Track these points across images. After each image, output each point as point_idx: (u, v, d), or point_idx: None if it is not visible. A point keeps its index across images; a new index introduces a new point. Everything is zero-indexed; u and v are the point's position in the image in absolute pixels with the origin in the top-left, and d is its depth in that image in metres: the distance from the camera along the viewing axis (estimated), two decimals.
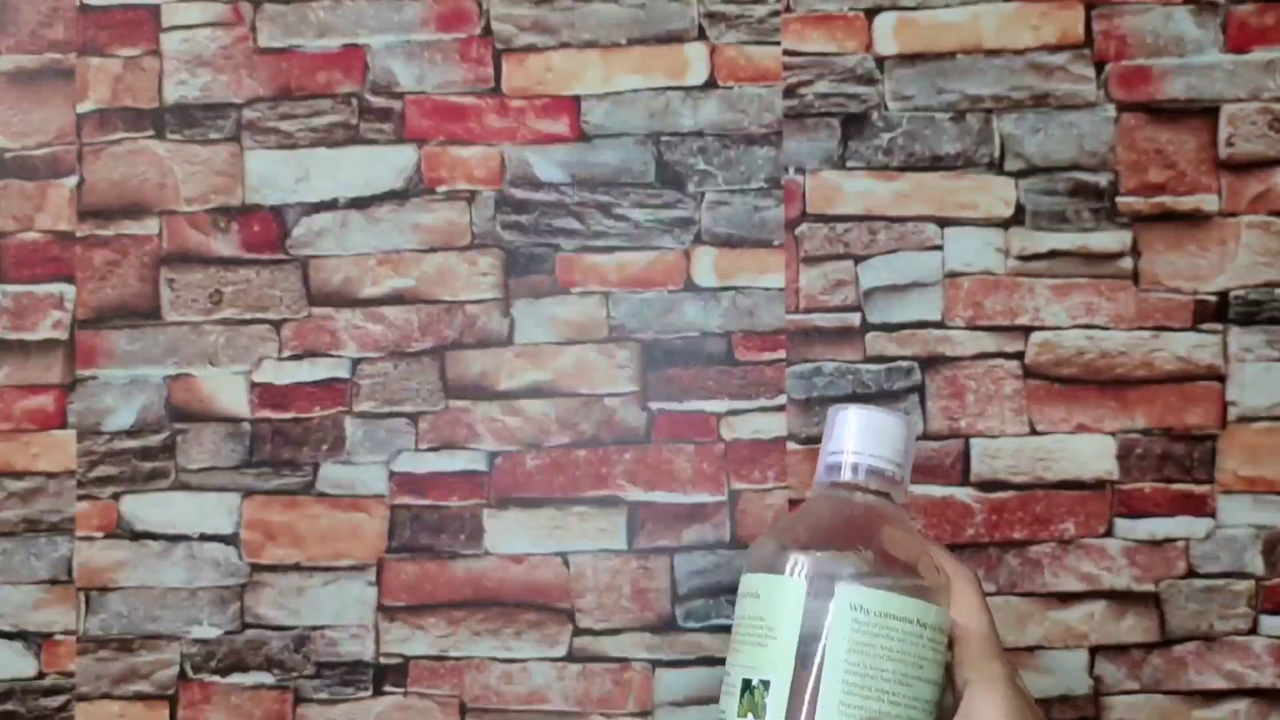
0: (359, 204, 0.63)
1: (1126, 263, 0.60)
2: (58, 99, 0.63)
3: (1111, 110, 0.61)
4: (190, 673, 0.62)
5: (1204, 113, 0.60)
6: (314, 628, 0.62)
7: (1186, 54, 0.60)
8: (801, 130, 0.61)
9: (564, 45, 0.62)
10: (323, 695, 0.61)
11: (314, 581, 0.62)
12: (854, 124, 0.61)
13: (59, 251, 0.63)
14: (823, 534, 0.40)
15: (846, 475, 0.41)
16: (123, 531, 0.62)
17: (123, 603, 0.62)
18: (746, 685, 0.39)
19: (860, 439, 0.41)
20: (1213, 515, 0.59)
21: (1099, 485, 0.60)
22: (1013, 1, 0.61)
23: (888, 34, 0.61)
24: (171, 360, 0.63)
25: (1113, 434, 0.60)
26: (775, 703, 0.38)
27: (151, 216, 0.63)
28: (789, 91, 0.62)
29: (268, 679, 0.62)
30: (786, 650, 0.38)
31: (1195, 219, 0.60)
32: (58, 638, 0.62)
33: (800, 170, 0.61)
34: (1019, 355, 0.60)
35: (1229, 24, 0.60)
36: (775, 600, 0.39)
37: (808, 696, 0.38)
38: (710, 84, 0.62)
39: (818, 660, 0.38)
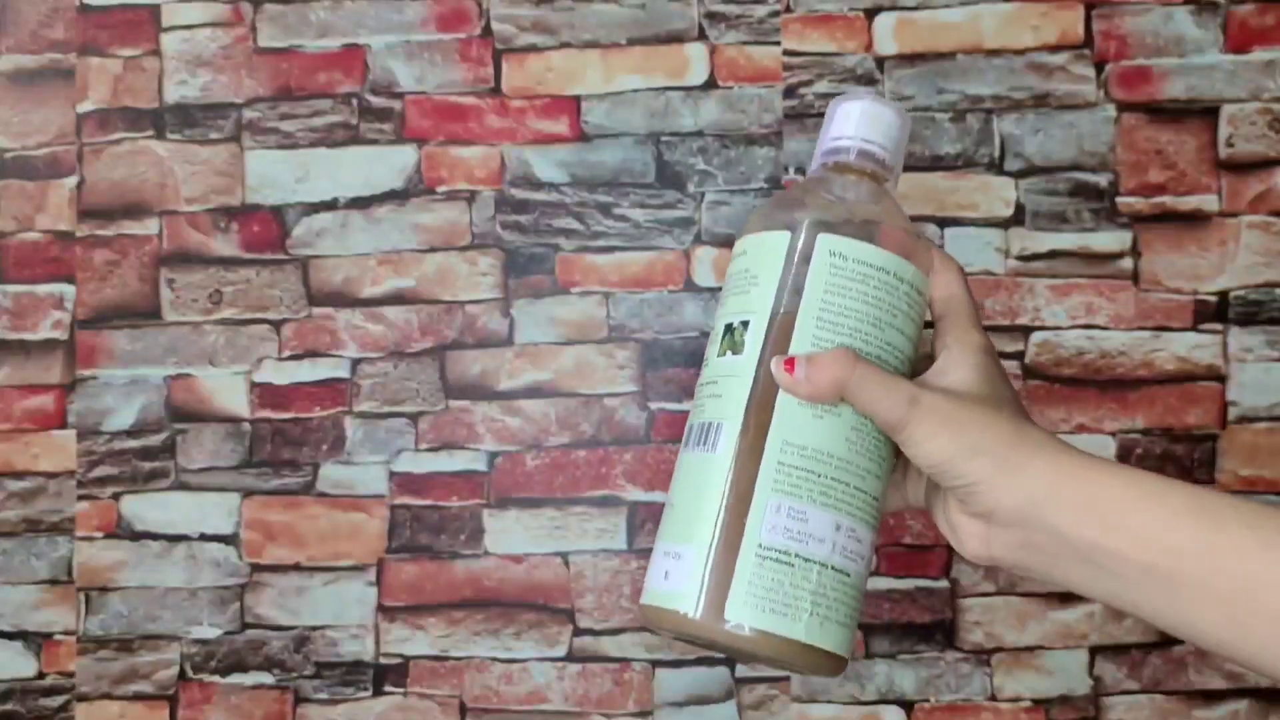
0: (359, 204, 0.63)
1: (1126, 263, 0.60)
2: (58, 99, 0.63)
3: (1111, 110, 0.61)
4: (190, 673, 0.62)
5: (1204, 113, 0.60)
6: (314, 628, 0.62)
7: (1186, 54, 0.60)
8: (801, 130, 0.61)
9: (564, 45, 0.62)
10: (323, 695, 0.61)
11: (314, 581, 0.62)
12: None
13: (59, 251, 0.63)
14: (809, 196, 0.41)
15: (841, 157, 0.42)
16: (123, 531, 0.62)
17: (123, 603, 0.62)
18: (728, 329, 0.41)
19: (856, 125, 0.42)
20: None
21: None
22: (1013, 1, 0.61)
23: (888, 34, 0.61)
24: (171, 360, 0.63)
25: (1113, 434, 0.60)
26: (753, 338, 0.40)
27: (151, 216, 0.63)
28: (789, 91, 0.62)
29: (268, 679, 0.62)
30: (767, 292, 0.40)
31: (1195, 219, 0.60)
32: (58, 638, 0.62)
33: (800, 170, 0.61)
34: (1019, 355, 0.60)
35: (1229, 24, 0.60)
36: (761, 252, 0.41)
37: (780, 331, 0.39)
38: (710, 84, 0.62)
39: (796, 300, 0.39)
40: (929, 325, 0.43)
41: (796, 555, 0.38)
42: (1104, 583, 0.35)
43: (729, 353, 0.41)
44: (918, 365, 0.42)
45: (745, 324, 0.40)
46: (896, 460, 0.42)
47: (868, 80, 0.61)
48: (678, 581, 0.39)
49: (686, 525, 0.39)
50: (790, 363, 0.38)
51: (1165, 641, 0.59)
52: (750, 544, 0.38)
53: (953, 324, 0.40)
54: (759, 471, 0.38)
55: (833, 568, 0.38)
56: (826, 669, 0.39)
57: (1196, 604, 0.33)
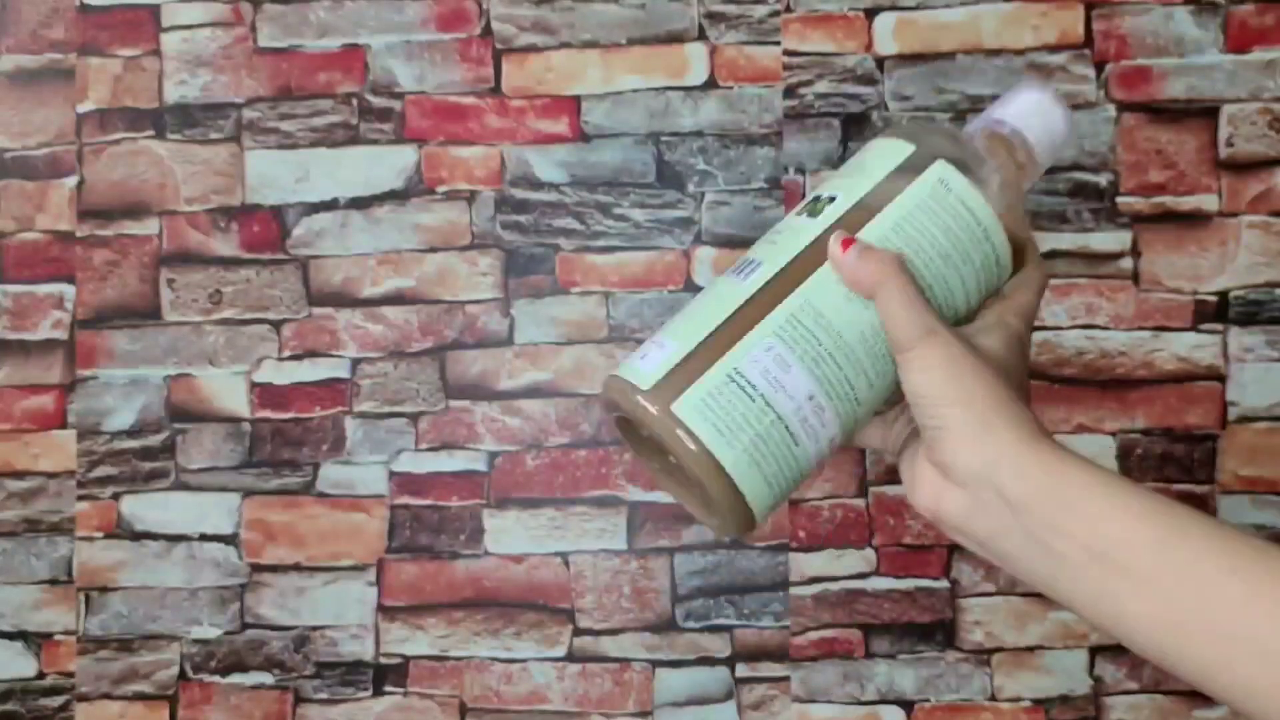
0: (359, 204, 0.63)
1: (1126, 263, 0.60)
2: (58, 99, 0.63)
3: (1111, 110, 0.61)
4: (190, 673, 0.62)
5: (1204, 113, 0.60)
6: (314, 628, 0.62)
7: (1186, 54, 0.60)
8: (801, 130, 0.61)
9: (564, 45, 0.62)
10: (323, 695, 0.61)
11: (314, 581, 0.62)
12: (854, 124, 0.61)
13: (59, 251, 0.63)
14: (952, 135, 0.42)
15: (999, 129, 0.43)
16: (123, 531, 0.62)
17: (123, 603, 0.62)
18: (815, 198, 0.42)
19: (1029, 113, 0.43)
20: (1213, 515, 0.59)
21: None
22: (1013, 1, 0.61)
23: (888, 34, 0.61)
24: (171, 360, 0.63)
25: (1113, 434, 0.60)
26: (832, 211, 0.41)
27: (151, 216, 0.63)
28: (789, 91, 0.62)
29: (268, 679, 0.62)
30: (865, 183, 0.41)
31: (1195, 219, 0.60)
32: (58, 638, 0.62)
33: (800, 170, 0.61)
34: None
35: (1229, 24, 0.60)
36: (881, 152, 0.42)
37: (858, 216, 0.40)
38: (710, 84, 0.62)
39: (885, 202, 0.40)
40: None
41: (761, 396, 0.39)
42: (1044, 563, 0.35)
43: (805, 215, 0.41)
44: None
45: (832, 199, 0.41)
46: (898, 395, 0.42)
47: (867, 80, 0.61)
48: (649, 364, 0.40)
49: (683, 326, 0.40)
50: (848, 243, 0.39)
51: None
52: (728, 364, 0.39)
53: (1006, 307, 0.41)
54: (771, 312, 0.39)
55: (787, 427, 0.39)
56: (732, 513, 0.39)
57: (1139, 601, 0.33)
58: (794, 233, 0.41)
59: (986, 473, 0.36)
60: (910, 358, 0.38)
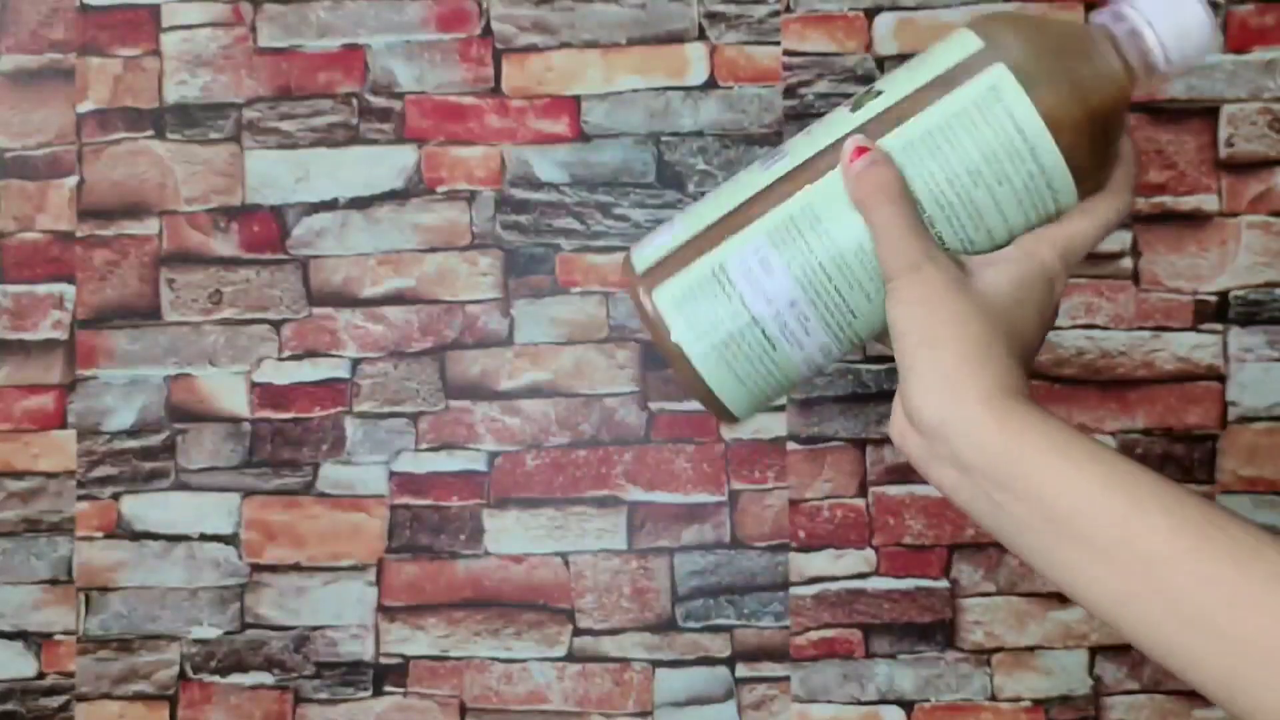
0: (359, 204, 0.63)
1: (1126, 263, 0.60)
2: (58, 99, 0.63)
3: None
4: (190, 673, 0.62)
5: (1204, 113, 0.60)
6: (314, 628, 0.62)
7: None
8: (802, 130, 0.61)
9: (564, 45, 0.62)
10: (323, 695, 0.61)
11: (314, 581, 0.62)
12: None
13: (59, 251, 0.63)
14: (1040, 30, 0.38)
15: (1113, 26, 0.38)
16: (123, 531, 0.62)
17: (123, 603, 0.62)
18: (868, 90, 0.39)
19: (1157, 11, 0.38)
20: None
21: None
22: (1013, 1, 0.61)
23: (888, 34, 0.61)
24: (171, 360, 0.63)
25: (1113, 434, 0.60)
26: (872, 108, 0.38)
27: (151, 216, 0.63)
28: (789, 91, 0.62)
29: (268, 679, 0.62)
30: (916, 79, 0.38)
31: (1195, 219, 0.60)
32: (58, 638, 0.62)
33: None
34: None
35: (1229, 24, 0.60)
36: (949, 46, 0.38)
37: (889, 117, 0.37)
38: (710, 84, 0.62)
39: (928, 103, 0.37)
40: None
41: (740, 296, 0.37)
42: (1001, 523, 0.34)
43: (849, 108, 0.39)
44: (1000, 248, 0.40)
45: (880, 93, 0.38)
46: None
47: (867, 80, 0.61)
48: (652, 246, 0.39)
49: (697, 212, 0.39)
50: (861, 151, 0.37)
51: None
52: (713, 259, 0.38)
53: (1050, 233, 0.38)
54: (770, 211, 0.38)
55: (763, 330, 0.38)
56: (711, 406, 0.39)
57: (1095, 570, 0.32)
58: (830, 126, 0.38)
59: (941, 429, 0.34)
60: (891, 288, 0.36)
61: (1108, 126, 0.37)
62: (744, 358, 0.38)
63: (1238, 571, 0.29)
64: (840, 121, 0.38)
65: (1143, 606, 0.31)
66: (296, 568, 0.62)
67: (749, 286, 0.37)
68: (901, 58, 0.61)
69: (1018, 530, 0.33)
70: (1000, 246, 0.38)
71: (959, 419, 0.34)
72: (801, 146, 0.39)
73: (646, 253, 0.39)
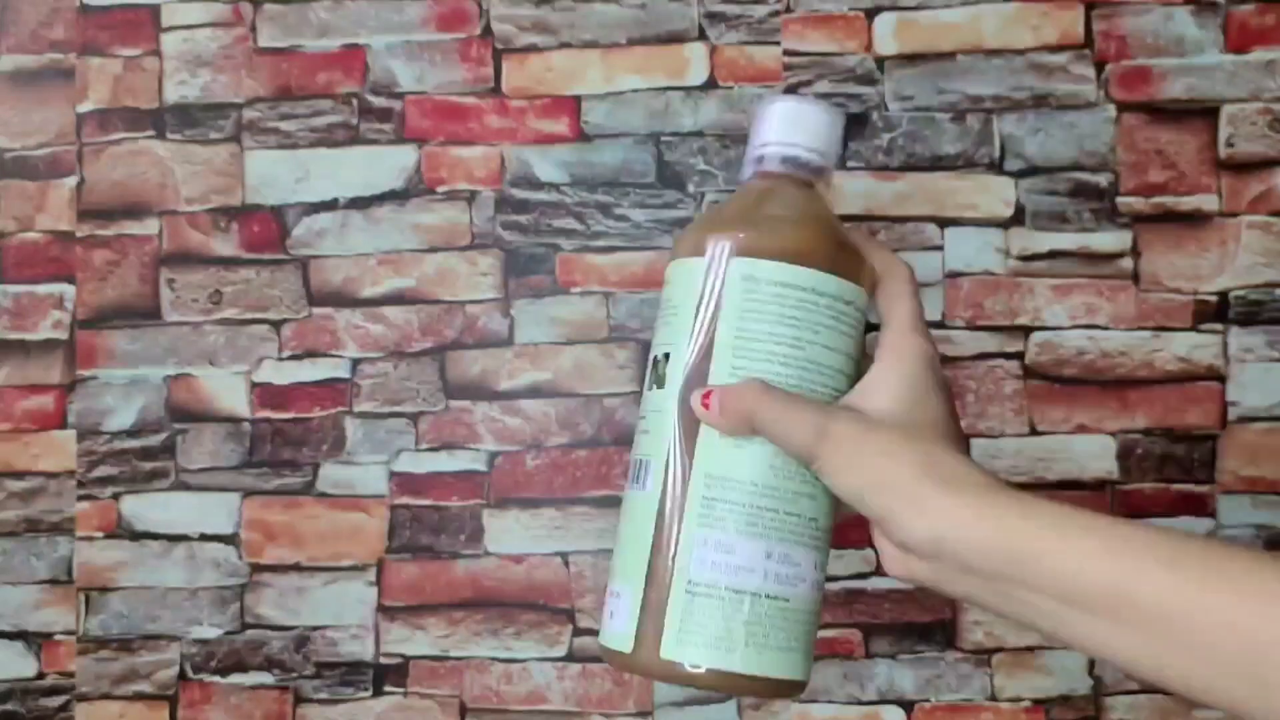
0: (359, 204, 0.63)
1: (1126, 263, 0.60)
2: (58, 99, 0.63)
3: (1111, 110, 0.61)
4: (190, 673, 0.62)
5: (1204, 113, 0.60)
6: (314, 628, 0.62)
7: (1186, 54, 0.60)
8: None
9: (564, 45, 0.62)
10: (323, 695, 0.61)
11: (314, 581, 0.62)
12: (854, 124, 0.61)
13: (59, 251, 0.63)
14: (728, 216, 0.40)
15: (764, 166, 0.41)
16: (123, 531, 0.62)
17: (123, 603, 0.62)
18: (654, 362, 0.41)
19: (779, 129, 0.41)
20: (1213, 515, 0.60)
21: (1099, 485, 0.60)
22: (1013, 1, 0.61)
23: (888, 34, 0.61)
24: (171, 360, 0.63)
25: (1113, 434, 0.60)
26: (674, 370, 0.40)
27: (151, 216, 0.63)
28: (789, 91, 0.61)
29: (268, 679, 0.62)
30: (685, 323, 0.40)
31: (1195, 219, 0.60)
32: (58, 638, 0.62)
33: None
34: (1019, 355, 0.60)
35: (1229, 24, 0.60)
36: (681, 280, 0.40)
37: (699, 361, 0.39)
38: (710, 84, 0.62)
39: (711, 330, 0.39)
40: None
41: (726, 588, 0.38)
42: (1019, 610, 0.35)
43: (655, 386, 0.40)
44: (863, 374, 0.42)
45: (667, 356, 0.40)
46: None
47: (867, 80, 0.61)
48: (619, 621, 0.39)
49: (624, 565, 0.40)
50: (707, 396, 0.38)
51: None
52: (680, 581, 0.38)
53: (890, 331, 0.40)
54: (685, 508, 0.38)
55: (766, 595, 0.38)
56: (779, 693, 0.39)
57: (1114, 637, 0.32)
58: (658, 413, 0.40)
59: (937, 546, 0.35)
60: (819, 467, 0.37)
61: (836, 230, 0.40)
62: (771, 630, 0.38)
63: (1247, 612, 0.30)
64: (662, 403, 0.40)
65: (1176, 663, 0.31)
66: (296, 568, 0.62)
67: (726, 574, 0.38)
68: (901, 58, 0.61)
69: (1040, 616, 0.34)
70: (853, 374, 0.40)
71: (949, 530, 0.35)
72: (653, 445, 0.40)
73: (620, 629, 0.39)
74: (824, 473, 0.37)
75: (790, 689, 0.39)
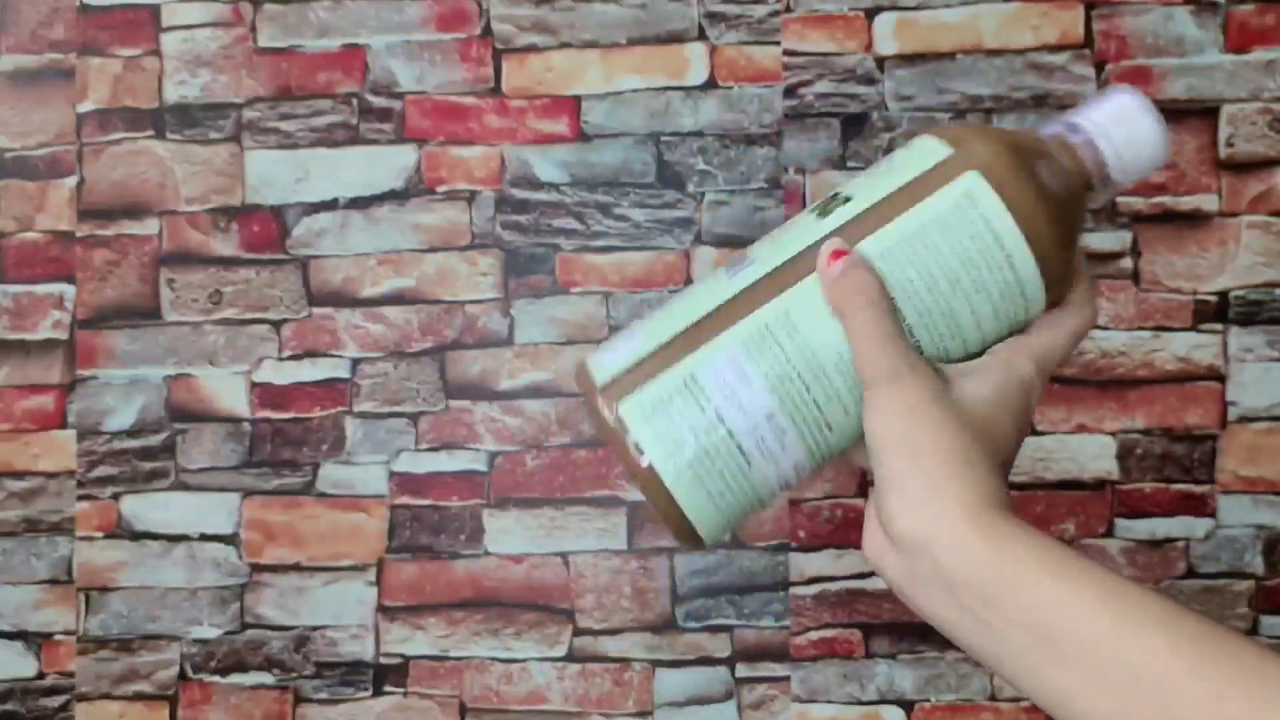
0: (359, 204, 0.63)
1: (1126, 263, 0.60)
2: (58, 99, 0.63)
3: None
4: (190, 673, 0.62)
5: (1204, 113, 0.60)
6: (314, 628, 0.62)
7: (1186, 54, 0.60)
8: (801, 130, 0.61)
9: (564, 45, 0.62)
10: (323, 695, 0.61)
11: (314, 581, 0.62)
12: (854, 124, 0.61)
13: (59, 251, 0.63)
14: (1001, 140, 0.37)
15: (1072, 138, 0.38)
16: (123, 531, 0.62)
17: (123, 603, 0.62)
18: (833, 195, 0.38)
19: (1113, 118, 0.38)
20: (1213, 515, 0.60)
21: (1099, 485, 0.60)
22: (1013, 1, 0.61)
23: (888, 34, 0.61)
24: (171, 360, 0.63)
25: (1113, 434, 0.60)
26: (841, 214, 0.37)
27: (151, 216, 0.63)
28: (789, 91, 0.62)
29: (268, 679, 0.62)
30: (887, 186, 0.37)
31: (1195, 219, 0.60)
32: (58, 638, 0.62)
33: (800, 170, 0.61)
34: None
35: (1229, 24, 0.60)
36: (919, 152, 0.38)
37: (865, 224, 0.36)
38: (710, 84, 0.62)
39: (901, 210, 0.36)
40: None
41: (714, 408, 0.35)
42: (986, 641, 0.32)
43: (816, 214, 0.38)
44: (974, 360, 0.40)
45: (848, 199, 0.37)
46: None
47: (867, 80, 0.61)
48: (613, 356, 0.37)
49: (660, 320, 0.37)
50: (838, 254, 0.35)
51: None
52: (686, 368, 0.36)
53: (1023, 344, 0.37)
54: (743, 320, 0.36)
55: (738, 445, 0.36)
56: (679, 530, 0.37)
57: (1084, 693, 0.30)
58: (797, 232, 0.37)
59: (925, 544, 0.33)
60: (870, 397, 0.35)
61: (1072, 235, 0.37)
62: (717, 475, 0.36)
63: (1239, 691, 0.28)
64: (809, 227, 0.37)
65: None
66: (296, 568, 0.62)
67: (724, 399, 0.36)
68: (901, 58, 0.61)
69: (1006, 651, 0.32)
70: (972, 357, 0.38)
71: (943, 533, 0.33)
72: (770, 252, 0.37)
73: (607, 362, 0.37)
74: (868, 407, 0.35)
75: (690, 537, 0.37)
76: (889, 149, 0.61)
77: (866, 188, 0.37)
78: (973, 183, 0.36)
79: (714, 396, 0.36)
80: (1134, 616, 0.30)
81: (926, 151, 0.37)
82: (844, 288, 0.35)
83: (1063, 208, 0.37)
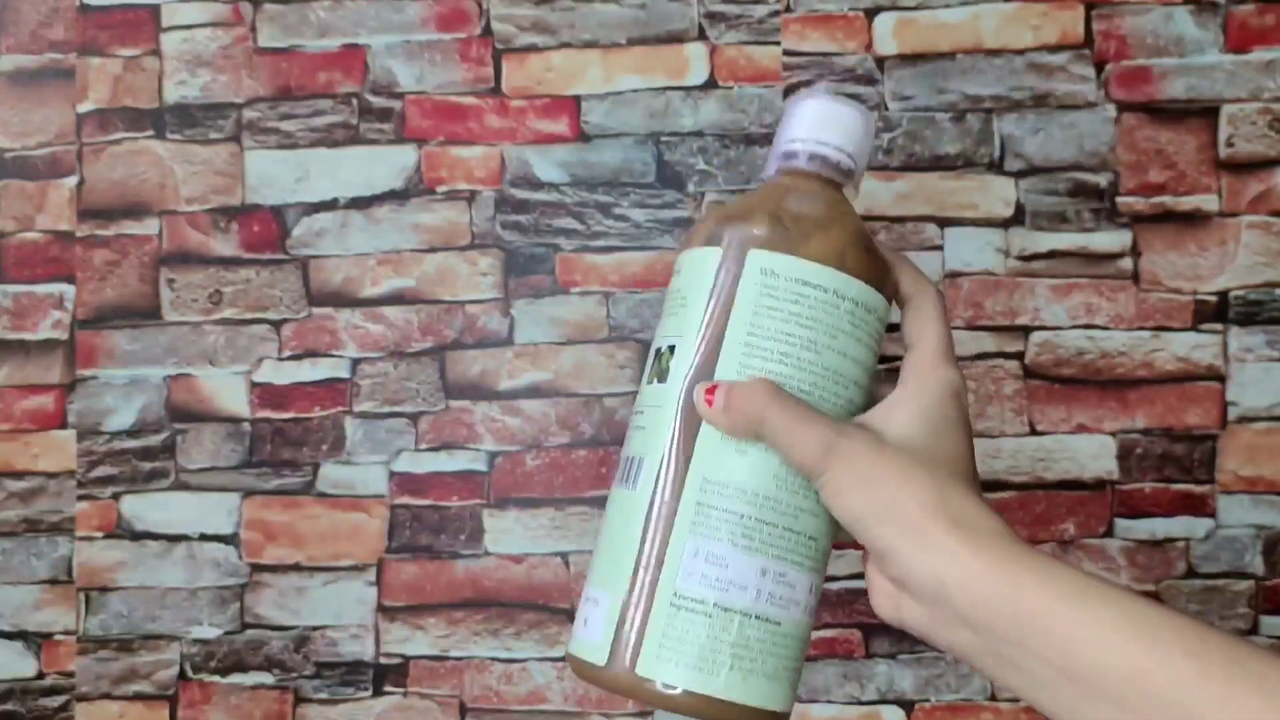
0: (359, 204, 0.63)
1: (1126, 263, 0.60)
2: (58, 99, 0.63)
3: (1111, 110, 0.61)
4: (190, 673, 0.62)
5: (1204, 113, 0.60)
6: (314, 628, 0.62)
7: (1186, 54, 0.60)
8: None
9: (564, 45, 0.62)
10: (323, 695, 0.61)
11: (314, 581, 0.62)
12: None
13: (59, 251, 0.63)
14: (750, 208, 0.38)
15: (792, 162, 0.39)
16: (123, 531, 0.62)
17: (123, 603, 0.62)
18: (656, 354, 0.38)
19: (810, 126, 0.39)
20: (1213, 515, 0.60)
21: (1099, 485, 0.60)
22: (1013, 1, 0.61)
23: (888, 34, 0.61)
24: (171, 360, 0.63)
25: (1113, 434, 0.60)
26: (679, 364, 0.37)
27: (151, 216, 0.63)
28: (789, 91, 0.62)
29: (268, 679, 0.62)
30: (695, 315, 0.37)
31: (1195, 219, 0.60)
32: (58, 638, 0.62)
33: None
34: (1019, 355, 0.60)
35: (1229, 24, 0.60)
36: (692, 270, 0.38)
37: (706, 356, 0.36)
38: (710, 84, 0.62)
39: (722, 323, 0.36)
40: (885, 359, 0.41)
41: (715, 605, 0.35)
42: (1015, 678, 0.32)
43: (655, 380, 0.38)
44: (879, 392, 0.40)
45: (672, 349, 0.37)
46: None
47: (867, 80, 0.61)
48: (594, 630, 0.36)
49: (605, 569, 0.37)
50: (712, 391, 0.35)
51: None
52: (665, 592, 0.35)
53: (917, 357, 0.37)
54: (677, 513, 0.35)
55: (757, 616, 0.35)
56: None
57: None
58: (656, 408, 0.37)
59: (938, 590, 0.32)
60: (821, 484, 0.34)
61: (861, 231, 0.38)
62: (759, 654, 0.35)
63: (1272, 715, 0.27)
64: (662, 397, 0.37)
65: None
66: (296, 568, 0.62)
67: (716, 590, 0.35)
68: (901, 58, 0.61)
69: (1037, 686, 0.31)
70: (868, 386, 0.38)
71: (954, 575, 0.32)
72: (648, 442, 0.37)
73: (593, 638, 0.36)
74: (827, 492, 0.34)
75: (773, 718, 0.36)
76: (889, 149, 0.61)
77: (678, 330, 0.37)
78: (758, 260, 0.36)
79: (707, 596, 0.35)
80: (1160, 641, 0.29)
81: (699, 266, 0.38)
82: (737, 409, 0.35)
83: (835, 220, 0.37)
